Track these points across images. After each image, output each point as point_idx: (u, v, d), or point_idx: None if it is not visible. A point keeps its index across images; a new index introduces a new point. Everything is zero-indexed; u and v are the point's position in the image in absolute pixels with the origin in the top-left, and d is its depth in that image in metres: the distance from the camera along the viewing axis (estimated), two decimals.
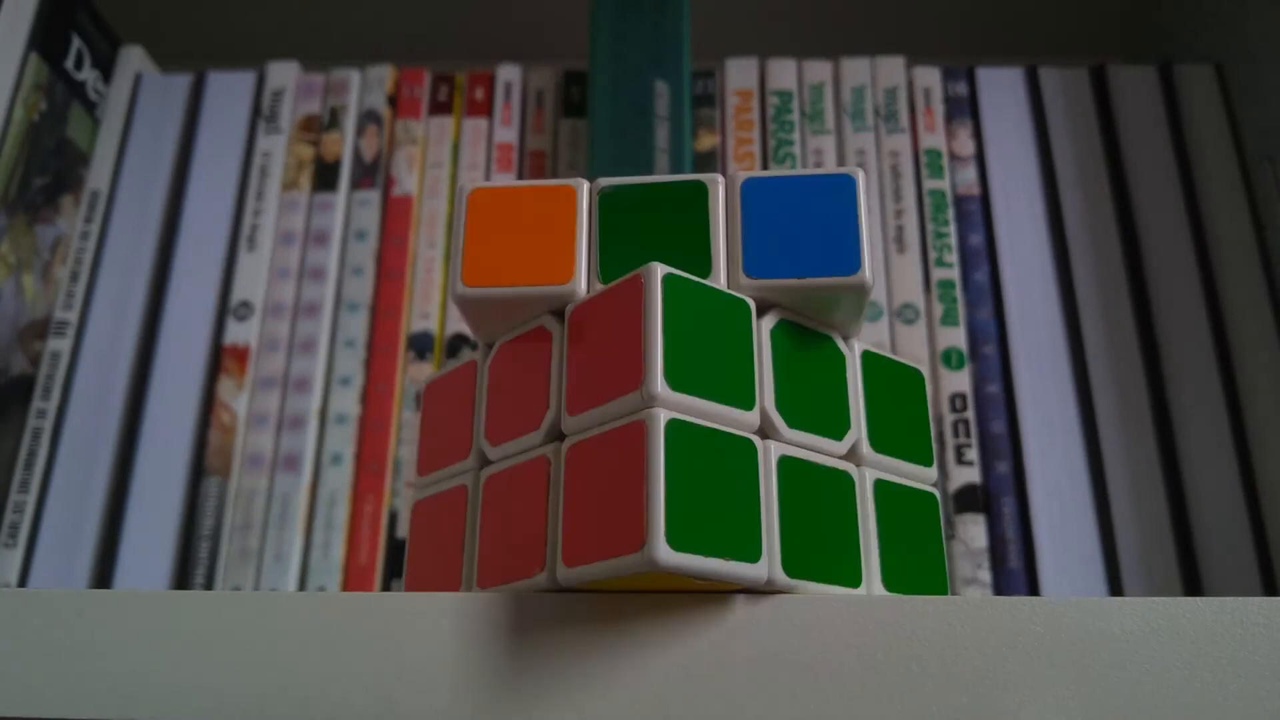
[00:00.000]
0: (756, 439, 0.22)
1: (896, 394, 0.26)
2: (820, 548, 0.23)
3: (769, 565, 0.21)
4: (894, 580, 0.24)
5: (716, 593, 0.22)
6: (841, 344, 0.25)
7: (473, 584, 0.24)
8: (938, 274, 0.44)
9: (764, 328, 0.24)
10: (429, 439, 0.27)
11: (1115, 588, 0.40)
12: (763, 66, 0.48)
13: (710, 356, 0.22)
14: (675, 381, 0.21)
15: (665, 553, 0.19)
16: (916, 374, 0.28)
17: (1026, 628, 0.21)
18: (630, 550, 0.20)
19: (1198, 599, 0.22)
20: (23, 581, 0.40)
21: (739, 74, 0.48)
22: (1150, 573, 0.40)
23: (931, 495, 0.27)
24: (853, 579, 0.23)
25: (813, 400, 0.24)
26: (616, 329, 0.22)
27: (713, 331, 0.22)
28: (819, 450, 0.24)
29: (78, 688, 0.21)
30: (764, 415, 0.23)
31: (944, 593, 0.26)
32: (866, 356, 0.26)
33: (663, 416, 0.20)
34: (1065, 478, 0.42)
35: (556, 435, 0.23)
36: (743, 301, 0.23)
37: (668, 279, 0.22)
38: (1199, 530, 0.41)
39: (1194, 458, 0.42)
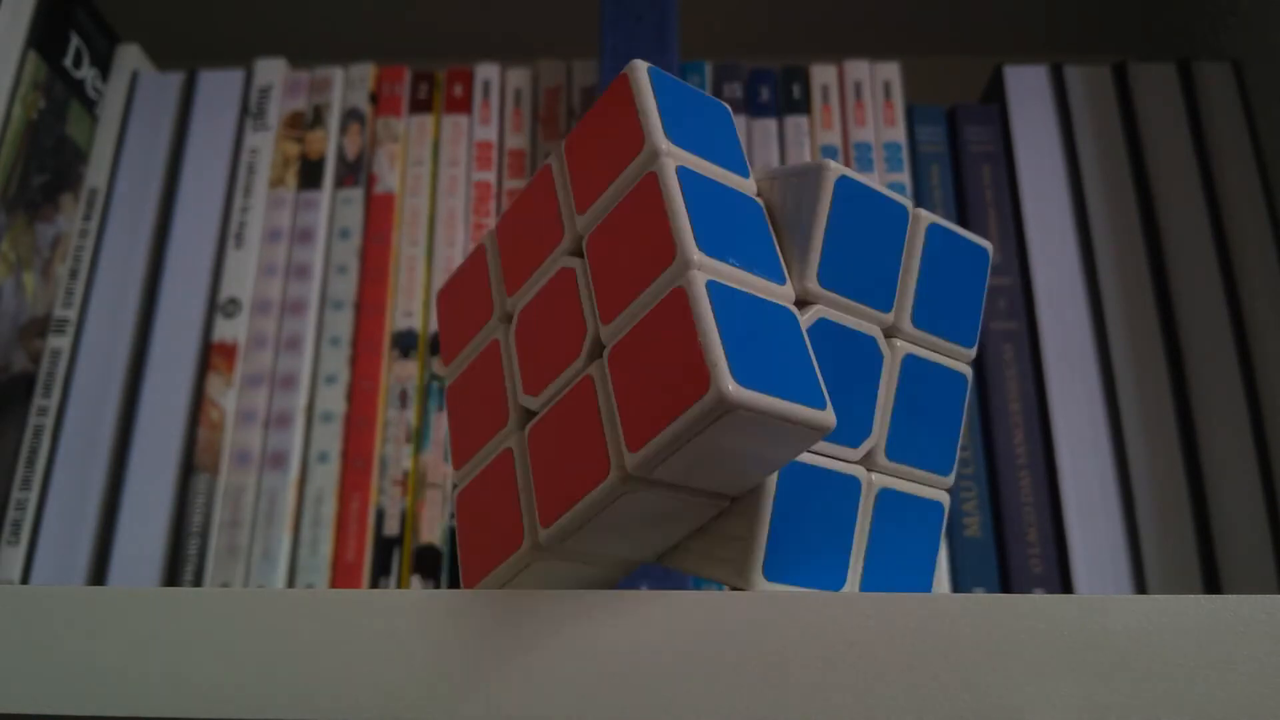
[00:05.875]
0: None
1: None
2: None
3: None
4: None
5: (711, 589, 0.22)
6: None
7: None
8: None
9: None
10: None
11: (1140, 591, 0.40)
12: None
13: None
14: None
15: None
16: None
17: (1029, 625, 0.21)
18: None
19: (1199, 596, 0.21)
20: (25, 578, 0.41)
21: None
22: (1172, 576, 0.40)
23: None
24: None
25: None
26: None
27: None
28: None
29: (76, 685, 0.22)
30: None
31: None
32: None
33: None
34: (1095, 479, 0.42)
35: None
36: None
37: None
38: (1219, 533, 0.41)
39: (1215, 454, 0.42)
